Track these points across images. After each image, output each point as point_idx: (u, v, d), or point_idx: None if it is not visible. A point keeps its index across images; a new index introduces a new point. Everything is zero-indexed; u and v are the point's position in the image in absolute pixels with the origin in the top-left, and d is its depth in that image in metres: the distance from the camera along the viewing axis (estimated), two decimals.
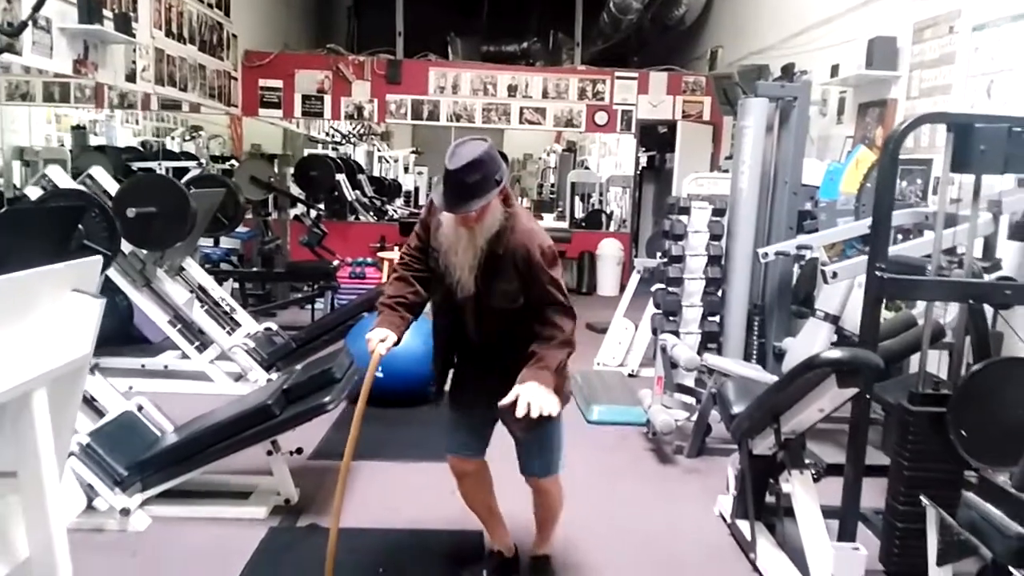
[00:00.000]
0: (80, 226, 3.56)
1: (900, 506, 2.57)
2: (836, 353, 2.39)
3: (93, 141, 8.33)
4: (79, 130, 8.27)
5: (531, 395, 2.18)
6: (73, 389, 1.85)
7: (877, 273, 2.47)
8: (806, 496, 2.57)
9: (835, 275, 3.46)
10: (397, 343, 2.43)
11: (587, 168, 13.42)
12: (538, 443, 2.49)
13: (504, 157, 2.36)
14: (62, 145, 8.10)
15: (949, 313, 3.49)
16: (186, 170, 7.63)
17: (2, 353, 1.49)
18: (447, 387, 2.62)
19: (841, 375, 2.33)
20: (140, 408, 3.40)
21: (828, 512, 2.67)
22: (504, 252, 2.31)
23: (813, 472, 2.72)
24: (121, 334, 5.31)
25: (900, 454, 2.59)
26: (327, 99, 9.12)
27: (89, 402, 3.29)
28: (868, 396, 2.55)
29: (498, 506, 2.79)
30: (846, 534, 2.62)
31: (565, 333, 2.31)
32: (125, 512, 2.99)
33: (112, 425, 3.20)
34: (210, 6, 7.61)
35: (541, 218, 10.39)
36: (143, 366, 4.99)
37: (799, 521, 2.57)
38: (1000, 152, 2.40)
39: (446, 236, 2.35)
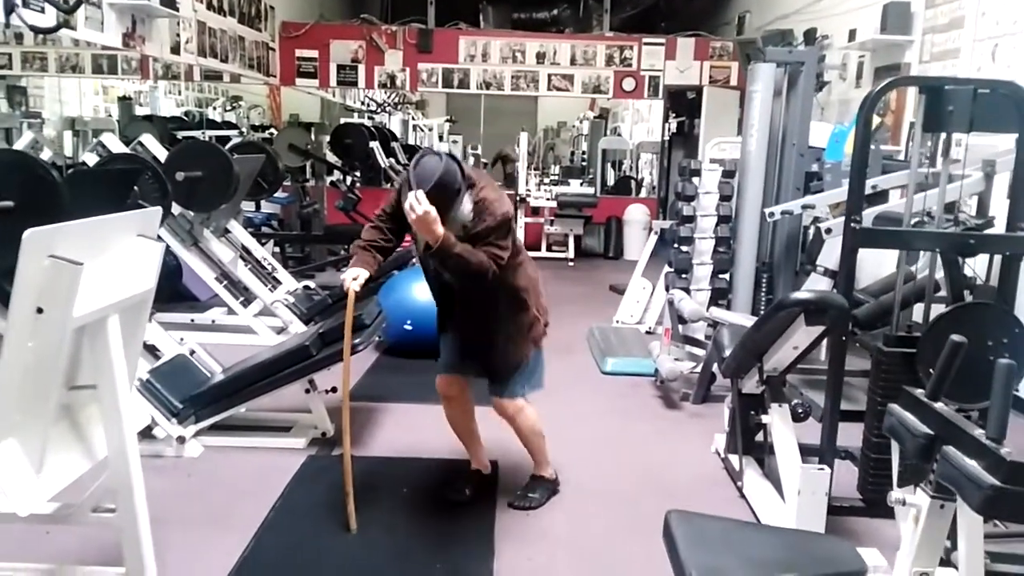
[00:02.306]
0: (135, 187, 3.91)
1: (874, 439, 2.79)
2: (803, 294, 2.64)
3: (138, 111, 8.73)
4: (125, 101, 8.67)
5: (426, 218, 2.50)
6: (139, 318, 2.20)
7: (852, 225, 2.70)
8: (783, 426, 2.83)
9: (829, 231, 3.66)
10: (369, 280, 2.82)
11: (619, 135, 13.54)
12: (503, 370, 2.90)
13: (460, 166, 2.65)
14: (110, 115, 8.51)
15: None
16: (228, 138, 8.00)
17: (83, 284, 1.82)
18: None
19: (808, 314, 2.58)
20: (192, 352, 3.78)
21: (815, 450, 2.93)
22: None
23: (800, 411, 2.98)
24: (172, 291, 5.70)
25: (875, 391, 2.82)
26: (361, 68, 9.39)
27: (147, 346, 3.66)
28: (844, 336, 2.78)
29: (478, 431, 3.19)
30: (824, 461, 2.87)
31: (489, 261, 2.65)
32: (181, 440, 3.37)
33: (168, 366, 3.57)
34: None
35: (567, 184, 10.60)
36: (192, 321, 5.37)
37: (775, 448, 2.84)
38: (966, 112, 2.60)
39: None
